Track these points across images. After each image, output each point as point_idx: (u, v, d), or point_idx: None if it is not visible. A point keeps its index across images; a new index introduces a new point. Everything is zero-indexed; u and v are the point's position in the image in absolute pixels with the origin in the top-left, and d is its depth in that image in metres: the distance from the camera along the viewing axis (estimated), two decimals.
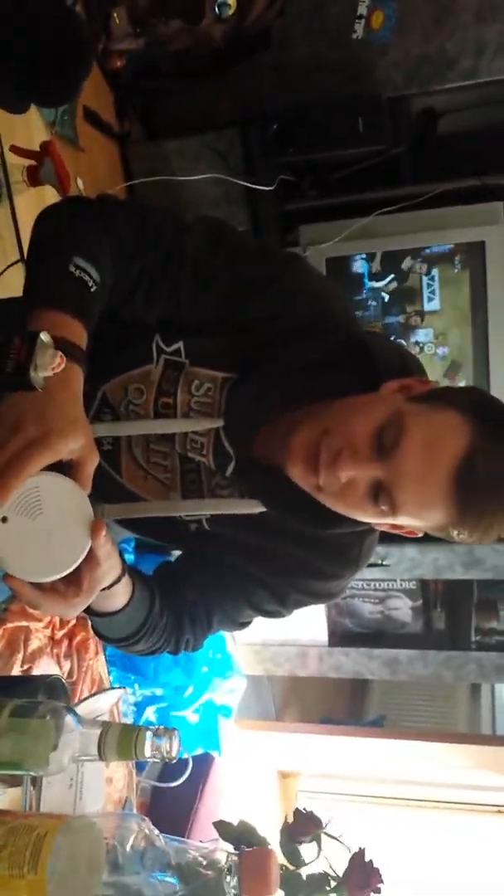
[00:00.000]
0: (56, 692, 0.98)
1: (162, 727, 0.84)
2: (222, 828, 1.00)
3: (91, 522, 0.82)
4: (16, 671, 1.76)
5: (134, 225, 0.98)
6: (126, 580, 0.97)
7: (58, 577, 0.81)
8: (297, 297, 1.01)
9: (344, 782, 3.75)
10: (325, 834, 1.16)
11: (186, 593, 1.14)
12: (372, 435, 0.90)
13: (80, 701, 1.21)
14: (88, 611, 0.98)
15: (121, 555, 0.95)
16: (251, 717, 3.48)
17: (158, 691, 2.54)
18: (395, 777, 3.53)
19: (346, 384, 1.00)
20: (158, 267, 0.99)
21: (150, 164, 2.82)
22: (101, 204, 1.01)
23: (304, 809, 1.16)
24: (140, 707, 2.52)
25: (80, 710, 1.22)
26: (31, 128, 2.11)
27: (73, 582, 0.84)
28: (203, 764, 2.74)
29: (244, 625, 1.20)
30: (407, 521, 0.95)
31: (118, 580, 0.94)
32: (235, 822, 1.04)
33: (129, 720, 2.33)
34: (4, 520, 0.78)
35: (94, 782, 1.15)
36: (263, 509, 1.06)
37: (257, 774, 3.51)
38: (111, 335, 1.05)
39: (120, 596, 0.98)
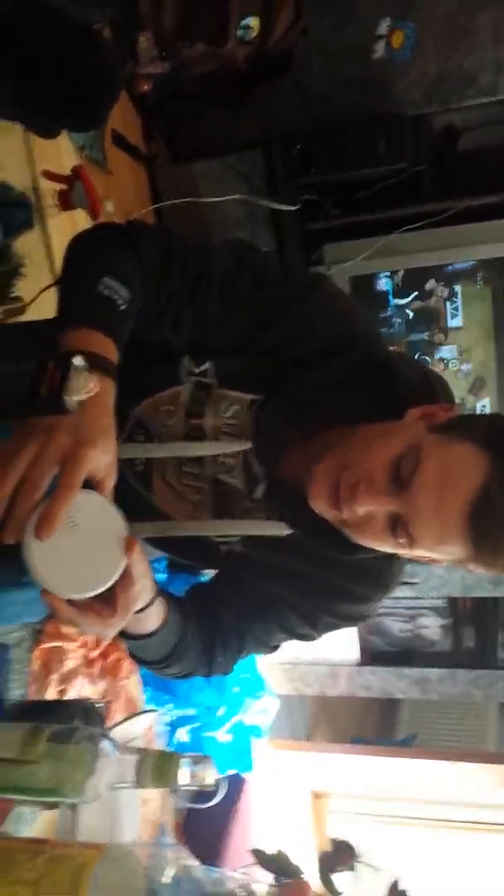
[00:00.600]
0: (91, 717, 0.98)
1: (198, 754, 0.83)
2: (260, 856, 0.99)
3: (126, 539, 0.81)
4: (51, 692, 1.77)
5: (161, 248, 1.00)
6: (160, 602, 0.97)
7: (94, 593, 0.81)
8: (318, 318, 1.01)
9: (376, 802, 3.70)
10: (362, 863, 1.14)
11: (219, 615, 1.13)
12: (389, 467, 0.89)
13: (115, 724, 1.20)
14: (123, 633, 0.97)
15: (155, 581, 0.95)
16: (282, 737, 3.45)
17: (191, 711, 2.53)
18: (426, 797, 3.48)
19: (369, 405, 0.99)
20: (186, 290, 1.00)
21: (176, 186, 2.84)
22: (129, 228, 1.02)
23: (340, 839, 1.13)
24: (173, 727, 2.51)
25: (115, 733, 1.22)
26: (62, 152, 2.14)
27: (108, 600, 0.84)
28: (235, 785, 2.72)
29: (275, 648, 1.19)
30: (425, 554, 0.94)
31: (151, 603, 0.94)
32: (271, 849, 1.03)
33: (163, 740, 2.32)
34: None
35: (130, 807, 1.15)
36: (290, 531, 1.05)
37: (290, 794, 3.47)
38: (141, 356, 1.05)
39: (153, 618, 0.98)
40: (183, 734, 2.52)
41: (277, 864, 0.94)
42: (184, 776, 0.83)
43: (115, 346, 0.87)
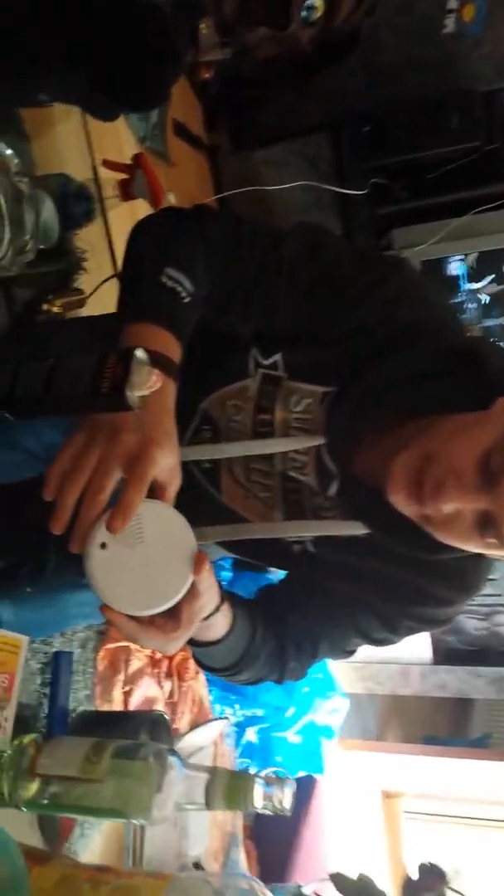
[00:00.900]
0: (159, 728, 0.93)
1: (274, 775, 0.77)
2: (340, 882, 0.92)
3: (195, 555, 0.77)
4: (117, 692, 1.73)
5: (228, 233, 0.95)
6: (226, 609, 0.92)
7: (157, 611, 0.76)
8: (398, 304, 0.94)
9: (449, 803, 3.61)
10: (451, 889, 1.06)
11: (290, 618, 1.08)
12: (478, 461, 0.83)
13: (183, 734, 1.15)
14: (189, 640, 0.94)
15: (218, 582, 0.90)
16: (352, 736, 3.39)
17: (259, 712, 2.48)
18: (501, 799, 3.37)
19: (453, 396, 0.92)
20: (254, 276, 0.95)
21: (240, 175, 2.79)
22: (194, 213, 0.97)
23: (428, 863, 1.06)
24: (241, 728, 2.47)
25: (182, 742, 1.19)
26: (123, 143, 2.11)
27: (172, 615, 0.80)
28: (306, 787, 2.67)
29: (350, 653, 1.14)
30: None
31: (216, 610, 0.89)
32: (352, 872, 0.96)
33: (231, 741, 2.28)
34: (104, 546, 0.73)
35: (199, 821, 1.10)
36: (367, 531, 0.99)
37: (360, 794, 3.41)
38: (207, 348, 1.01)
39: (220, 626, 0.93)
40: (251, 734, 2.47)
41: (358, 888, 0.88)
42: (258, 798, 0.77)
43: (178, 343, 0.83)
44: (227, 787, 0.77)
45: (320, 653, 1.11)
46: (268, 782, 0.78)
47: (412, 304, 0.95)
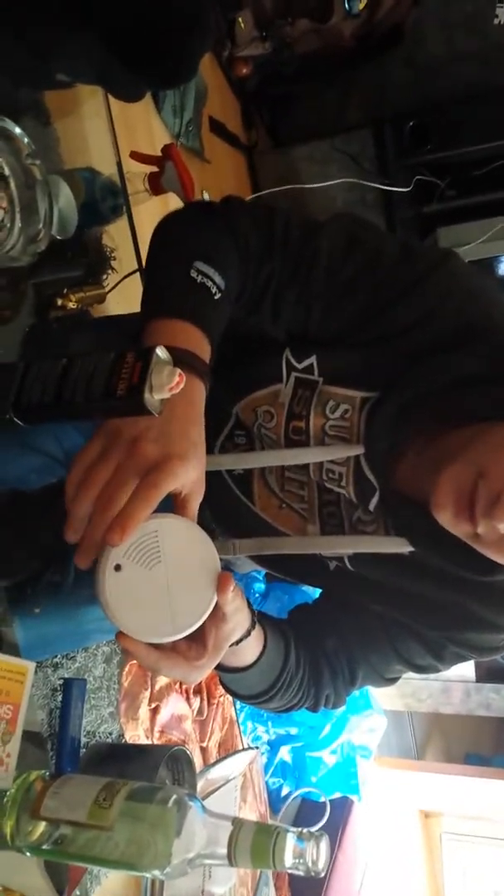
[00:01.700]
0: (180, 764, 0.85)
1: (307, 830, 0.68)
2: None
3: (218, 575, 0.69)
4: (143, 709, 1.67)
5: (261, 225, 0.88)
6: (257, 633, 0.86)
7: (177, 637, 0.69)
8: (446, 300, 0.86)
9: (491, 824, 3.50)
10: None
11: (327, 642, 1.01)
12: None
13: (212, 765, 1.07)
14: (217, 665, 0.86)
15: (250, 605, 0.83)
16: (391, 754, 3.29)
17: (293, 730, 2.39)
18: None
19: None
20: (288, 271, 0.87)
21: (279, 173, 2.72)
22: (225, 205, 0.91)
23: None
24: (274, 746, 2.38)
25: (211, 774, 1.11)
26: (155, 140, 2.05)
27: (197, 640, 0.74)
28: (342, 808, 2.57)
29: (391, 681, 1.06)
30: None
31: (247, 634, 0.83)
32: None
33: (262, 767, 2.19)
34: (118, 568, 0.66)
35: None
36: (412, 549, 0.91)
37: (398, 814, 3.32)
38: (239, 349, 0.94)
39: (250, 651, 0.87)
40: (285, 754, 2.39)
41: None
42: (289, 856, 0.68)
43: (207, 341, 0.76)
44: (254, 843, 0.68)
45: (358, 680, 1.04)
46: (301, 837, 0.69)
47: (461, 302, 0.87)
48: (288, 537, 1.01)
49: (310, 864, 0.67)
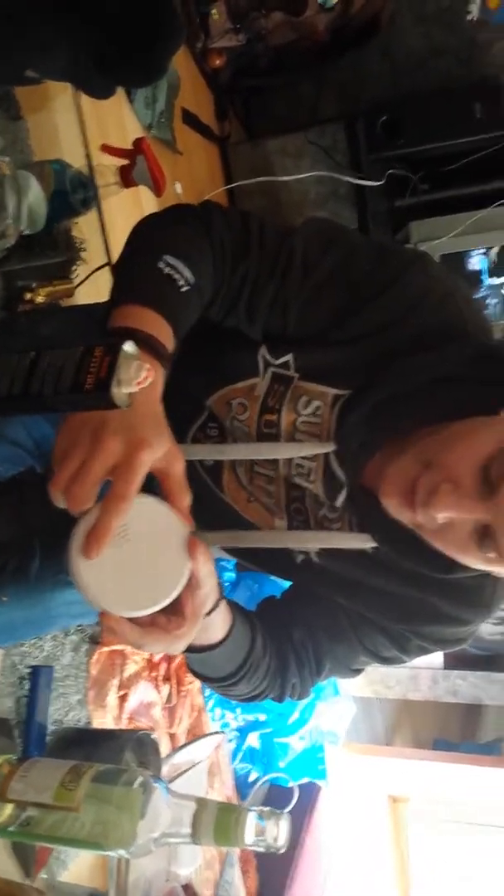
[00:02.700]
0: (145, 748, 0.87)
1: (268, 809, 0.70)
2: None
3: (188, 540, 0.71)
4: (112, 697, 1.68)
5: (237, 227, 0.90)
6: (224, 608, 0.86)
7: (159, 607, 0.71)
8: (420, 301, 0.88)
9: (457, 808, 3.56)
10: None
11: (294, 632, 1.02)
12: (478, 469, 0.77)
13: (178, 749, 1.09)
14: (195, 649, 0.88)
15: (218, 581, 0.84)
16: (360, 740, 3.34)
17: (262, 716, 2.43)
18: None
19: (474, 402, 0.85)
20: (264, 271, 0.89)
21: (252, 166, 2.72)
22: (200, 209, 0.92)
23: None
24: (242, 733, 2.41)
25: (177, 758, 1.13)
26: (128, 132, 2.04)
27: (175, 611, 0.74)
28: (309, 793, 2.61)
29: (357, 671, 1.08)
30: None
31: (216, 605, 0.83)
32: None
33: (229, 753, 2.22)
34: None
35: None
36: (375, 545, 0.93)
37: (366, 799, 3.37)
38: (214, 344, 0.96)
39: (218, 628, 0.87)
40: (253, 740, 2.42)
41: None
42: (250, 834, 0.70)
43: (170, 329, 0.77)
44: (217, 821, 0.71)
45: (324, 670, 1.05)
46: (261, 815, 0.71)
47: (434, 303, 0.88)
48: (257, 531, 1.02)
49: (270, 842, 0.70)
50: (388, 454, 0.88)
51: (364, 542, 0.93)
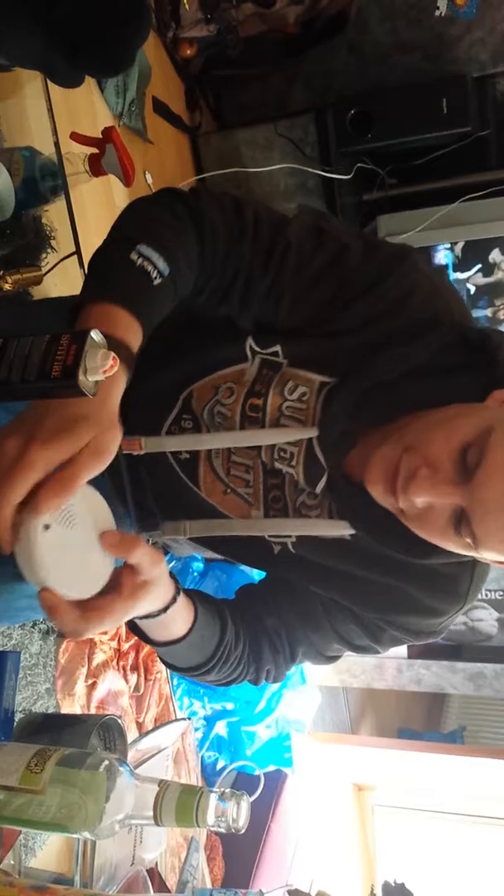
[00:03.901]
0: (111, 733, 0.88)
1: (229, 790, 0.72)
2: None
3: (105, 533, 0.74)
4: (80, 686, 1.69)
5: (230, 213, 0.89)
6: (183, 604, 0.87)
7: (97, 590, 0.73)
8: (408, 294, 0.88)
9: (421, 797, 3.61)
10: None
11: (268, 620, 1.02)
12: (456, 454, 0.79)
13: (144, 735, 1.10)
14: (150, 640, 0.90)
15: (174, 577, 0.85)
16: (326, 729, 3.37)
17: (229, 705, 2.44)
18: (474, 793, 3.38)
19: (459, 390, 0.87)
20: (258, 263, 0.89)
21: (222, 156, 2.72)
22: (193, 194, 0.90)
23: (395, 882, 1.02)
24: (210, 721, 2.43)
25: (142, 744, 1.14)
26: (98, 120, 2.04)
27: (112, 592, 0.75)
28: (275, 781, 2.64)
29: (331, 659, 1.08)
30: (497, 558, 0.82)
31: (173, 601, 0.84)
32: (310, 888, 0.92)
33: (196, 740, 2.24)
34: (47, 528, 0.69)
35: None
36: (353, 532, 0.94)
37: (332, 787, 3.40)
38: (192, 340, 0.97)
39: (178, 624, 0.88)
40: (221, 728, 2.44)
41: None
42: (211, 815, 0.72)
43: (137, 326, 0.76)
44: (178, 803, 0.72)
45: (298, 656, 1.06)
46: (222, 797, 0.73)
47: (421, 294, 0.89)
48: (235, 520, 1.01)
49: (230, 822, 0.72)
50: (371, 442, 0.89)
51: (342, 530, 0.94)
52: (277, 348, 0.93)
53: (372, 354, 0.89)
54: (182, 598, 0.85)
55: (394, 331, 0.88)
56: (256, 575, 1.15)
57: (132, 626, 0.90)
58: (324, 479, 0.94)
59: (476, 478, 0.76)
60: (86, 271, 0.95)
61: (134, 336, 0.75)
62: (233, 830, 0.71)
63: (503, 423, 0.78)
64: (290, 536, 0.99)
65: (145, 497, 1.05)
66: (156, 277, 0.78)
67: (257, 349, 0.94)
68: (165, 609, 0.83)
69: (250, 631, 1.01)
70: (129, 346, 0.74)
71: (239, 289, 0.90)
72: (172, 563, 2.31)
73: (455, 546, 0.83)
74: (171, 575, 0.84)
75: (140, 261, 0.78)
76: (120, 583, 0.75)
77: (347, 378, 0.91)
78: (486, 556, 0.82)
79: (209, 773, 2.42)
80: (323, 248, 0.90)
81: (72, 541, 0.70)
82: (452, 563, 0.93)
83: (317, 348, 0.92)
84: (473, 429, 0.79)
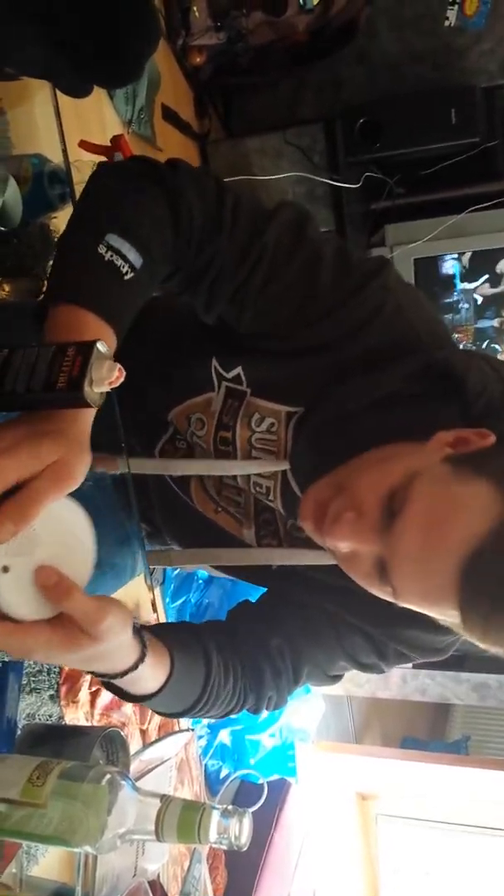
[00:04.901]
0: (114, 745, 0.87)
1: (231, 806, 0.71)
2: None
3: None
4: (84, 692, 1.68)
5: (209, 200, 0.81)
6: (151, 664, 0.76)
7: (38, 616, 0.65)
8: (373, 315, 0.84)
9: (424, 806, 3.59)
10: None
11: (272, 640, 0.97)
12: (382, 499, 0.73)
13: (148, 746, 1.10)
14: (126, 695, 0.81)
15: (142, 638, 0.75)
16: (330, 738, 3.36)
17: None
18: (478, 803, 3.36)
19: (415, 425, 0.81)
20: (233, 261, 0.83)
21: (231, 164, 2.73)
22: (171, 170, 0.81)
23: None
24: (214, 730, 2.42)
25: (146, 755, 1.14)
26: (107, 127, 2.04)
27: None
28: (279, 790, 2.63)
29: (335, 679, 1.04)
30: (419, 610, 0.76)
31: (130, 671, 0.73)
32: None
33: (197, 754, 2.23)
34: (6, 569, 0.62)
35: None
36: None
37: (335, 795, 3.39)
38: (166, 356, 0.94)
39: (149, 682, 0.79)
40: (225, 736, 2.43)
41: None
42: (213, 831, 0.71)
43: (110, 332, 0.71)
44: (181, 819, 0.72)
45: (303, 677, 1.00)
46: (225, 814, 0.72)
47: (385, 319, 0.84)
48: (223, 549, 1.00)
49: (233, 839, 0.71)
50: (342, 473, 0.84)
51: (330, 559, 0.89)
52: (239, 370, 0.90)
53: (336, 383, 0.85)
54: (150, 658, 0.75)
55: (359, 354, 0.84)
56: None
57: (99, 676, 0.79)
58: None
59: (395, 527, 0.71)
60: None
61: (109, 341, 0.71)
62: (235, 847, 0.71)
63: (432, 470, 0.73)
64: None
65: (154, 515, 1.04)
66: (127, 272, 0.72)
67: (222, 372, 0.91)
68: (125, 673, 0.73)
69: (250, 657, 0.95)
70: None
71: (208, 284, 0.84)
72: (177, 571, 2.31)
73: (380, 593, 0.78)
74: (139, 633, 0.74)
75: (109, 255, 0.71)
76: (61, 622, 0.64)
77: (312, 408, 0.87)
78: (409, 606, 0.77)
79: (213, 782, 2.41)
80: (296, 259, 0.84)
81: (38, 563, 0.64)
82: None
83: (278, 372, 0.88)
84: (403, 471, 0.74)
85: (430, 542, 0.69)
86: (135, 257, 0.72)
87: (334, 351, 0.84)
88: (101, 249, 0.71)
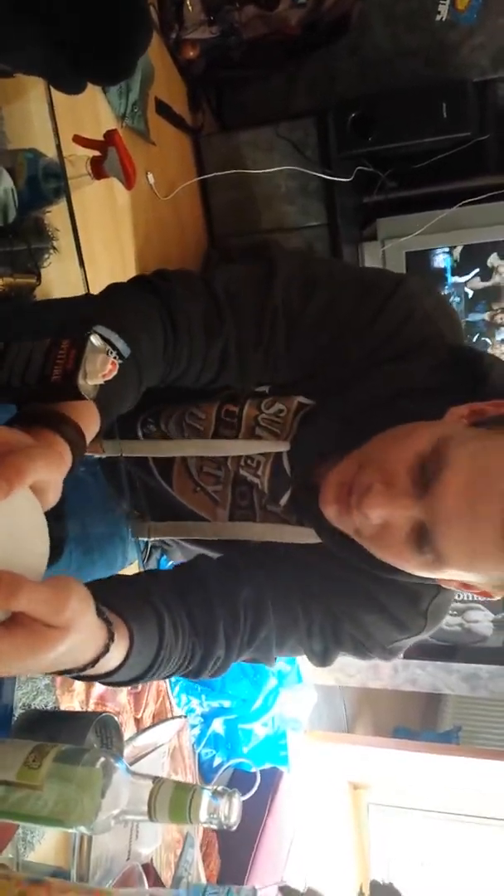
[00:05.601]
0: (108, 730, 0.89)
1: (221, 787, 0.73)
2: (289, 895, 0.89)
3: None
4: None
5: (201, 296, 0.87)
6: (118, 643, 0.72)
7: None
8: (401, 325, 0.87)
9: (416, 795, 3.63)
10: None
11: (240, 591, 0.92)
12: (412, 467, 0.75)
13: (140, 732, 1.12)
14: (79, 676, 0.72)
15: (106, 622, 0.70)
16: (322, 727, 3.38)
17: (226, 703, 2.46)
18: (469, 793, 3.39)
19: (431, 409, 0.84)
20: (248, 340, 0.87)
21: (224, 157, 2.73)
22: (161, 281, 0.88)
23: (383, 881, 1.03)
24: (207, 719, 2.45)
25: (139, 741, 1.16)
26: (101, 121, 2.05)
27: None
28: (272, 778, 2.66)
29: (276, 657, 1.00)
30: (461, 576, 0.78)
31: (101, 656, 0.68)
32: (301, 885, 0.93)
33: (190, 741, 2.25)
34: None
35: None
36: (319, 540, 0.93)
37: (327, 785, 3.42)
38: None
39: (110, 660, 0.72)
40: (218, 726, 2.45)
41: None
42: (204, 811, 0.73)
43: (95, 416, 0.73)
44: (172, 799, 0.74)
45: (256, 641, 0.93)
46: (215, 794, 0.74)
47: (415, 326, 0.87)
48: (202, 522, 1.01)
49: (223, 819, 0.73)
50: (338, 462, 0.86)
51: (307, 538, 0.92)
52: (265, 388, 0.94)
53: (353, 376, 0.88)
54: (117, 639, 0.70)
55: (382, 357, 0.87)
56: None
57: None
58: (287, 494, 0.93)
59: (436, 489, 0.73)
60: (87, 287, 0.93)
61: (90, 425, 0.72)
62: (224, 827, 0.73)
63: (462, 435, 0.75)
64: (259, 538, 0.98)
65: (140, 499, 1.06)
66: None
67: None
68: (96, 661, 0.67)
69: (210, 610, 0.89)
70: (82, 439, 0.70)
71: (234, 366, 0.88)
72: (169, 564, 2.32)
73: (415, 566, 0.79)
74: (104, 615, 0.69)
75: (98, 340, 0.71)
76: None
77: (326, 402, 0.89)
78: (448, 573, 0.78)
79: (206, 770, 2.43)
80: (314, 299, 0.87)
81: None
82: (417, 582, 0.90)
83: (305, 386, 0.92)
84: (430, 439, 0.76)
85: (476, 498, 0.71)
86: (122, 346, 0.73)
87: (363, 361, 0.87)
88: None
